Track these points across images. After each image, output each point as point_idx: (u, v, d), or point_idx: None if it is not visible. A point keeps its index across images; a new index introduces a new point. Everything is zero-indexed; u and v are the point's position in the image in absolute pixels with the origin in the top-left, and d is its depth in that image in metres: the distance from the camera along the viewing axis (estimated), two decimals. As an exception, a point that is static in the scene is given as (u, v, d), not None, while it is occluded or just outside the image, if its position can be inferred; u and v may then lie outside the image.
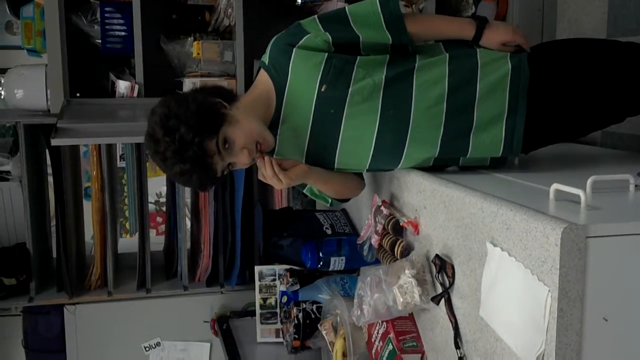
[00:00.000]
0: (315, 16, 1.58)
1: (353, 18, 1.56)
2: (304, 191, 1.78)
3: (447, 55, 1.58)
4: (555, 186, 1.22)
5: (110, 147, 2.67)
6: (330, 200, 1.78)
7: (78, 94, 2.61)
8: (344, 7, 1.58)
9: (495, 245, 1.19)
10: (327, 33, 1.55)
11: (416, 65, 1.55)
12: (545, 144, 1.71)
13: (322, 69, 1.53)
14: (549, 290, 1.03)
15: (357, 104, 1.53)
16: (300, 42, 1.55)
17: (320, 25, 1.56)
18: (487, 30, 1.59)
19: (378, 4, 1.56)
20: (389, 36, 1.56)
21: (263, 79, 1.59)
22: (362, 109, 1.53)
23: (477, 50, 1.59)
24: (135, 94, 2.57)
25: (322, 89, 1.53)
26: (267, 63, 1.59)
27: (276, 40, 1.59)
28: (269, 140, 1.53)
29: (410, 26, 1.57)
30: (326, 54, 1.54)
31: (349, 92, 1.52)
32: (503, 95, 1.54)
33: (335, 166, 1.62)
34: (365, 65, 1.54)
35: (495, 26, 1.60)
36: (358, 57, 1.55)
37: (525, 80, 1.55)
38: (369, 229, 1.68)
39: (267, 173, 1.53)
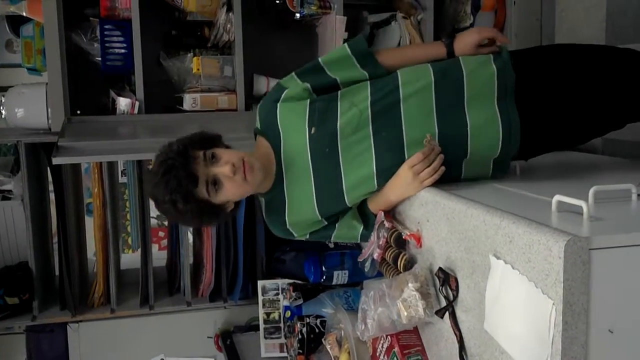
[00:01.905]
0: (293, 73, 1.66)
1: (327, 66, 1.65)
2: (333, 240, 1.75)
3: (429, 65, 1.61)
4: (557, 197, 1.21)
5: (112, 164, 2.67)
6: (359, 237, 1.74)
7: (79, 112, 2.61)
8: (318, 59, 1.67)
9: (498, 258, 1.18)
10: (305, 83, 1.63)
11: (399, 82, 1.58)
12: (545, 150, 1.72)
13: (307, 114, 1.60)
14: (553, 303, 1.02)
15: (349, 136, 1.57)
16: (283, 95, 1.63)
17: (298, 80, 1.64)
18: (456, 42, 1.65)
19: (348, 48, 1.65)
20: (365, 72, 1.64)
21: (260, 142, 1.67)
22: (355, 139, 1.57)
23: (460, 58, 1.62)
24: (136, 110, 2.57)
25: (312, 132, 1.59)
26: (259, 127, 1.67)
27: (261, 103, 1.69)
28: (257, 165, 1.55)
29: (382, 60, 1.66)
30: (308, 100, 1.61)
31: (338, 126, 1.57)
32: (491, 98, 1.56)
33: (347, 198, 1.62)
34: (348, 95, 1.60)
35: (460, 35, 1.66)
36: (339, 92, 1.61)
37: (511, 81, 1.57)
38: (371, 247, 1.67)
39: (428, 172, 1.51)
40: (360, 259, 1.70)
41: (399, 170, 1.55)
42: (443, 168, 1.53)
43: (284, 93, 1.64)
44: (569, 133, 1.66)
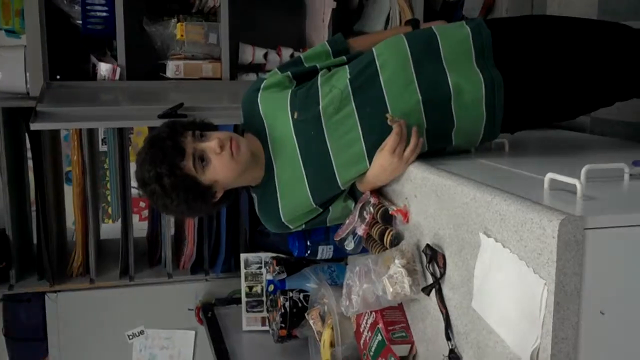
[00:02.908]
0: (275, 68, 1.72)
1: (306, 59, 1.71)
2: (329, 223, 1.74)
3: (402, 34, 1.62)
4: (550, 175, 1.19)
5: (92, 131, 2.60)
6: None
7: (58, 77, 2.54)
8: (299, 55, 1.74)
9: (488, 236, 1.16)
10: (286, 72, 1.67)
11: (375, 55, 1.57)
12: (532, 122, 1.71)
13: (289, 101, 1.61)
14: (545, 284, 1.01)
15: (333, 115, 1.56)
16: (263, 84, 1.67)
17: (278, 71, 1.68)
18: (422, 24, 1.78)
19: (327, 45, 1.73)
20: (343, 58, 1.68)
21: (247, 137, 1.64)
22: (340, 118, 1.56)
23: (431, 26, 1.64)
24: (117, 76, 2.50)
25: (295, 116, 1.59)
26: (244, 122, 1.70)
27: (243, 97, 1.71)
28: (244, 144, 1.56)
29: (356, 47, 1.73)
30: (289, 91, 1.63)
31: (320, 108, 1.56)
32: (469, 59, 1.55)
33: (339, 181, 1.60)
34: (328, 81, 1.60)
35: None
36: (318, 76, 1.62)
37: (488, 41, 1.56)
38: (349, 227, 1.63)
39: (411, 150, 1.49)
40: (336, 238, 1.67)
41: (380, 160, 1.52)
42: (421, 140, 1.52)
43: (264, 82, 1.67)
44: (554, 102, 1.63)
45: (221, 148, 1.50)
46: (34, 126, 2.09)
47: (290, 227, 1.70)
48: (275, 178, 1.64)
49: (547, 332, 1.01)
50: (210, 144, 1.50)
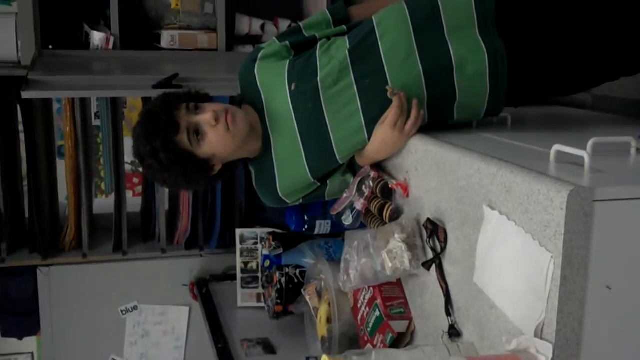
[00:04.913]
0: (273, 37, 1.68)
1: (306, 27, 1.65)
2: (327, 198, 1.70)
3: (402, 1, 1.56)
4: (556, 147, 1.16)
5: (85, 103, 2.56)
6: None
7: (50, 46, 2.51)
8: (299, 23, 1.68)
9: (493, 209, 1.13)
10: (285, 42, 1.62)
11: (374, 23, 1.53)
12: (537, 98, 1.68)
13: (287, 71, 1.56)
14: (551, 257, 0.97)
15: (331, 87, 1.52)
16: (260, 54, 1.62)
17: (277, 41, 1.64)
18: None
19: (328, 13, 1.67)
20: (343, 27, 1.62)
21: (244, 109, 1.60)
22: (338, 90, 1.52)
23: None
24: (111, 46, 2.47)
25: (292, 88, 1.55)
26: (241, 93, 1.66)
27: (241, 67, 1.66)
28: (240, 115, 1.52)
29: (358, 16, 1.65)
30: (287, 61, 1.58)
31: (318, 80, 1.52)
32: (472, 27, 1.50)
33: (338, 155, 1.56)
34: (327, 51, 1.55)
35: None
36: (317, 46, 1.57)
37: (491, 8, 1.51)
38: (346, 201, 1.60)
39: (412, 124, 1.45)
40: (333, 213, 1.64)
41: (380, 134, 1.48)
42: (422, 112, 1.47)
43: (262, 52, 1.62)
44: (559, 74, 1.58)
45: (216, 120, 1.46)
46: (25, 94, 2.06)
47: (288, 201, 1.67)
48: (273, 151, 1.61)
49: (552, 306, 0.97)
50: (205, 117, 1.47)
